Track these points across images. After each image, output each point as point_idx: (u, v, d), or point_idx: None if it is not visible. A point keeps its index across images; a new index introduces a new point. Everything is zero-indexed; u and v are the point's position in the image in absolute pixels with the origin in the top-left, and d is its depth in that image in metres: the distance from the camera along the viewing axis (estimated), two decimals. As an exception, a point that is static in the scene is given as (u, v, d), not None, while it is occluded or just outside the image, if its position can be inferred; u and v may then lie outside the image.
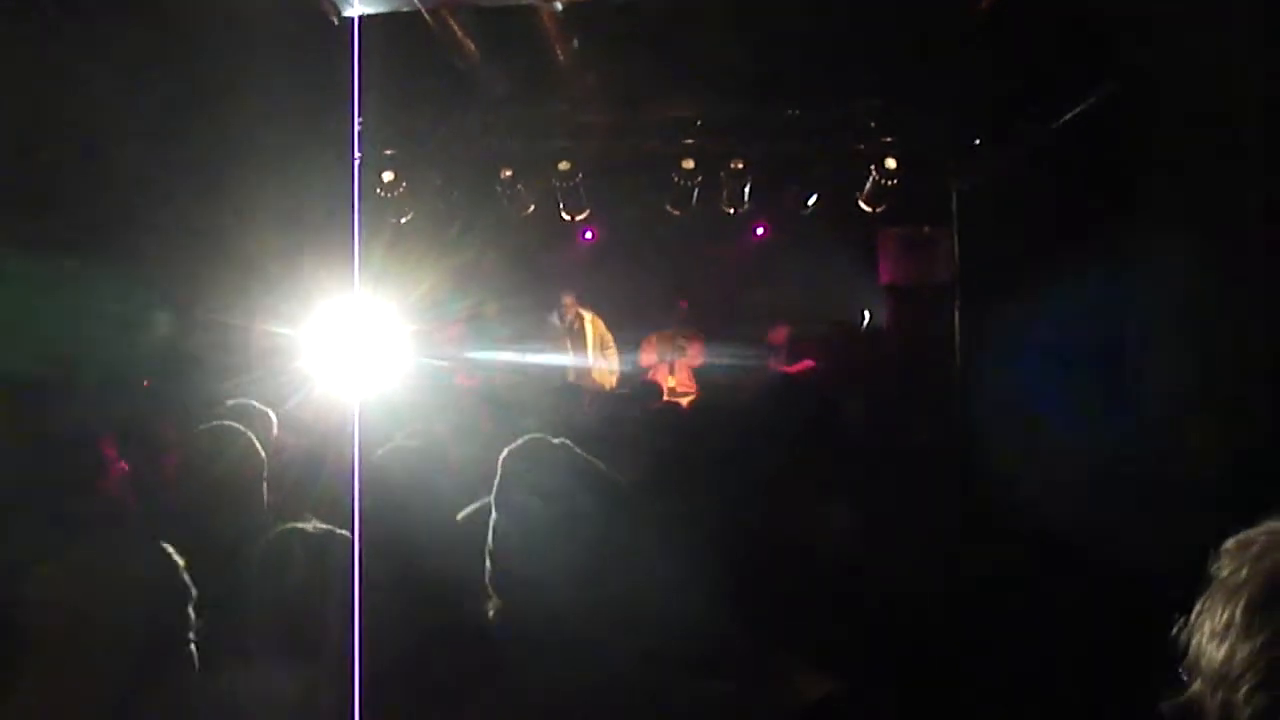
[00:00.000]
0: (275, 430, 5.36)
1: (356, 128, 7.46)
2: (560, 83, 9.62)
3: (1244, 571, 1.25)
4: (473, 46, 8.48)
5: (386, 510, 3.44)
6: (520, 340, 11.83)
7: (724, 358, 12.20)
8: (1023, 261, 8.95)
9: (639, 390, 10.41)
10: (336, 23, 6.89)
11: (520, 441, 2.37)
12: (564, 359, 11.85)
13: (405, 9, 6.98)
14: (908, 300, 12.49)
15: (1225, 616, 1.24)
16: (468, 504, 3.21)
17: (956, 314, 11.32)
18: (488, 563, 2.26)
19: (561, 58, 8.73)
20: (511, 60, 9.15)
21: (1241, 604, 1.23)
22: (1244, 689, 1.19)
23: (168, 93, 7.01)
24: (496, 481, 2.30)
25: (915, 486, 4.33)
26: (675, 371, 12.24)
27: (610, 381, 11.95)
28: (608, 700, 2.13)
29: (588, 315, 12.12)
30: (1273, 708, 1.17)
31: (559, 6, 7.58)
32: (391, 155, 10.78)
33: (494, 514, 2.27)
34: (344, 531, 2.96)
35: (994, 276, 10.00)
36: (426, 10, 7.31)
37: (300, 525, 2.96)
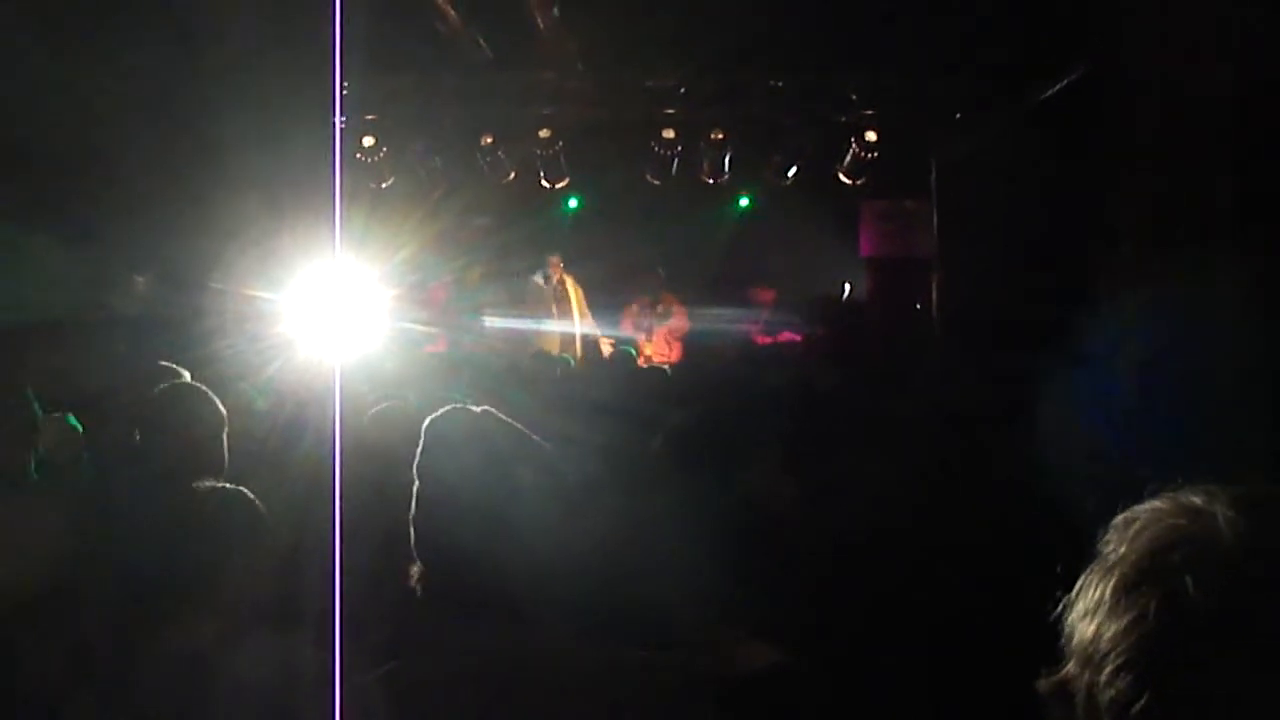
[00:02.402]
0: (247, 397, 5.37)
1: (339, 92, 7.43)
2: (541, 50, 9.59)
3: (1121, 549, 1.25)
4: (453, 11, 8.45)
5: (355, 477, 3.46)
6: (502, 305, 11.84)
7: (703, 325, 12.23)
8: (1003, 234, 8.99)
9: (616, 356, 10.44)
10: (317, -14, 6.85)
11: (443, 410, 2.39)
12: (543, 324, 11.84)
13: (387, -27, 6.95)
14: (888, 272, 12.54)
15: (1097, 594, 1.24)
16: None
17: (935, 287, 11.36)
18: (411, 530, 2.29)
19: (542, 25, 8.70)
20: (492, 26, 9.12)
21: (1112, 582, 1.22)
22: (1107, 669, 1.18)
23: (148, 56, 6.96)
24: (419, 450, 2.32)
25: (892, 458, 4.35)
26: (653, 338, 12.27)
27: (589, 347, 11.95)
28: (544, 668, 2.16)
29: (569, 280, 12.12)
30: (1135, 689, 1.15)
31: (541, -28, 7.56)
32: (372, 120, 10.73)
33: (416, 482, 2.29)
34: (244, 491, 2.95)
35: (974, 249, 10.04)
36: (408, -25, 7.29)
37: (198, 485, 2.94)
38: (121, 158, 6.95)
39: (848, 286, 12.89)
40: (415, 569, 2.27)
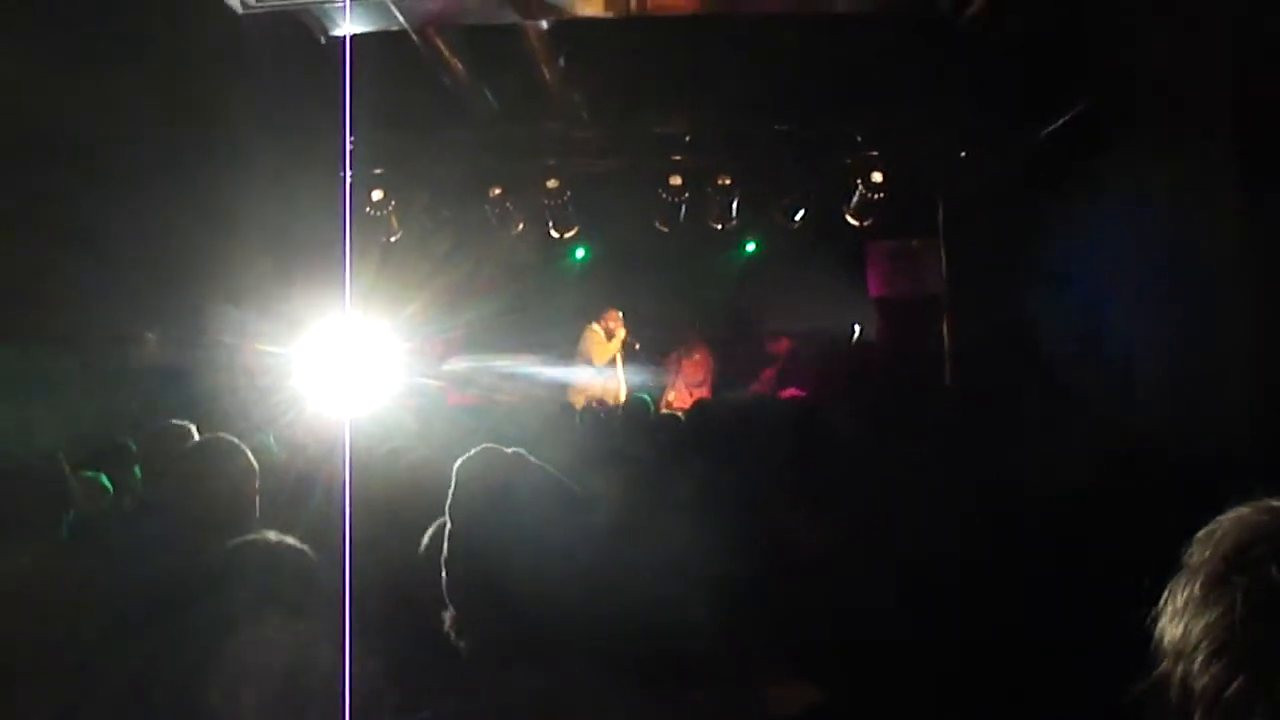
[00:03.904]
0: (267, 449, 5.38)
1: (347, 147, 7.49)
2: (547, 101, 9.66)
3: (1206, 553, 1.30)
4: (460, 65, 8.51)
5: (371, 526, 3.45)
6: (527, 358, 11.88)
7: (719, 372, 12.25)
8: (1011, 272, 9.00)
9: (632, 404, 10.44)
10: (324, 42, 6.93)
11: (474, 451, 2.38)
12: (567, 374, 11.90)
13: (392, 28, 7.01)
14: (897, 313, 12.54)
15: (1184, 596, 1.29)
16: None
17: (946, 326, 11.36)
18: (443, 573, 2.26)
19: (548, 76, 8.77)
20: (498, 78, 9.20)
21: (1199, 581, 1.27)
22: (1199, 659, 1.23)
23: (160, 115, 7.02)
24: (450, 491, 2.30)
25: (906, 499, 4.34)
26: (675, 387, 12.28)
27: (617, 396, 11.96)
28: (579, 710, 2.14)
29: (623, 333, 12.18)
30: (1228, 674, 1.19)
31: (545, 25, 7.62)
32: (380, 174, 10.78)
33: (448, 524, 2.28)
34: (298, 544, 2.96)
35: (982, 287, 10.05)
36: (413, 29, 7.35)
37: (254, 538, 2.96)
38: (133, 213, 6.99)
39: (857, 328, 12.88)
40: (448, 614, 2.25)
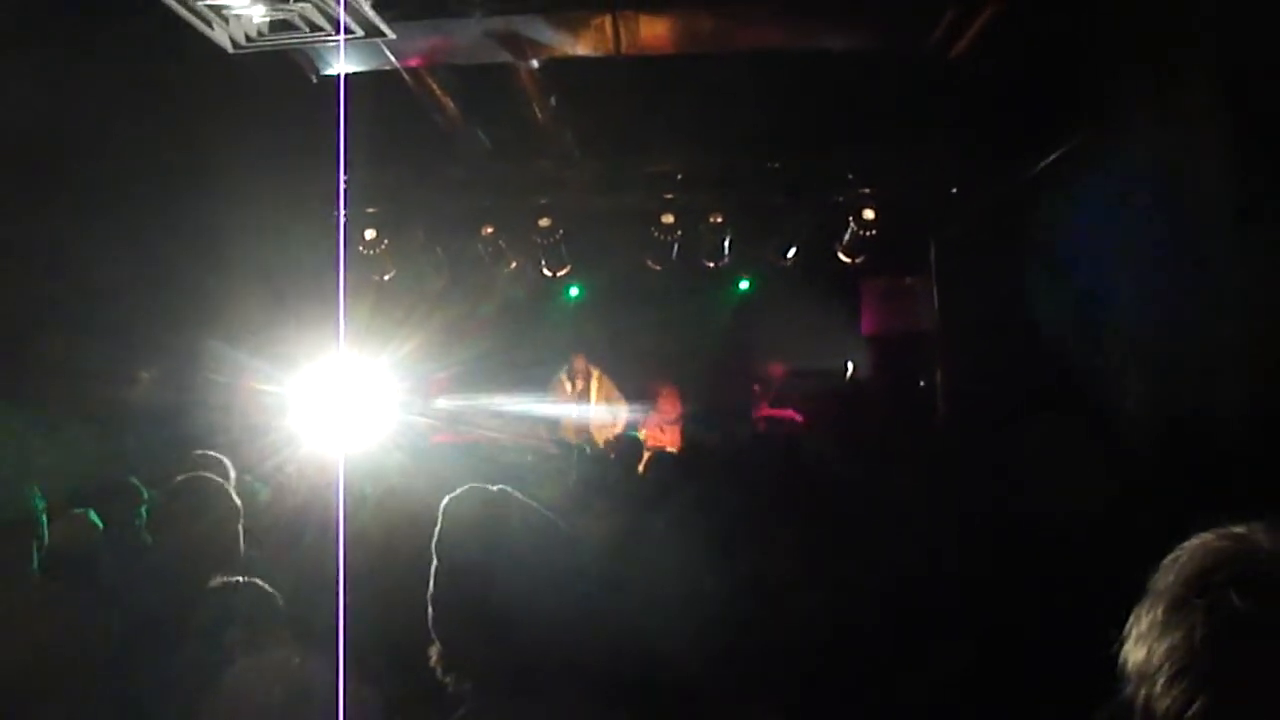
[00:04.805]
0: (256, 489, 5.37)
1: (341, 186, 7.52)
2: (539, 140, 9.70)
3: (1169, 578, 1.34)
4: (452, 104, 8.55)
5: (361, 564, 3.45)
6: (521, 397, 11.86)
7: (709, 408, 12.24)
8: (1003, 308, 9.02)
9: (624, 441, 10.43)
10: (316, 81, 6.95)
11: (461, 489, 2.39)
12: (557, 412, 11.87)
13: (384, 68, 7.04)
14: (890, 350, 12.56)
15: (1147, 620, 1.33)
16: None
17: (938, 363, 11.38)
18: (430, 609, 2.27)
19: (540, 115, 8.80)
20: (491, 118, 9.23)
21: (1162, 607, 1.32)
22: (1161, 681, 1.26)
23: (154, 156, 7.05)
24: (437, 529, 2.31)
25: (898, 537, 4.35)
26: (661, 423, 12.26)
27: (608, 434, 11.94)
28: None
29: (595, 374, 12.15)
30: (1189, 695, 1.23)
31: (536, 65, 7.65)
32: (373, 213, 10.81)
33: (435, 561, 2.28)
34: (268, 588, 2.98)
35: (975, 324, 10.06)
36: (405, 69, 7.38)
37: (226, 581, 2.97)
38: (128, 253, 7.01)
39: (850, 365, 12.90)
40: (434, 649, 2.26)
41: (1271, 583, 1.26)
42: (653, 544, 3.87)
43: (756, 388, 12.88)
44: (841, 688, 3.11)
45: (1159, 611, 1.31)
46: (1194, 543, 1.36)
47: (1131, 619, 1.36)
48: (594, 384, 12.11)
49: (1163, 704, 1.25)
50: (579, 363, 12.06)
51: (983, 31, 6.74)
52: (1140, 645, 1.32)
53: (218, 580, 3.02)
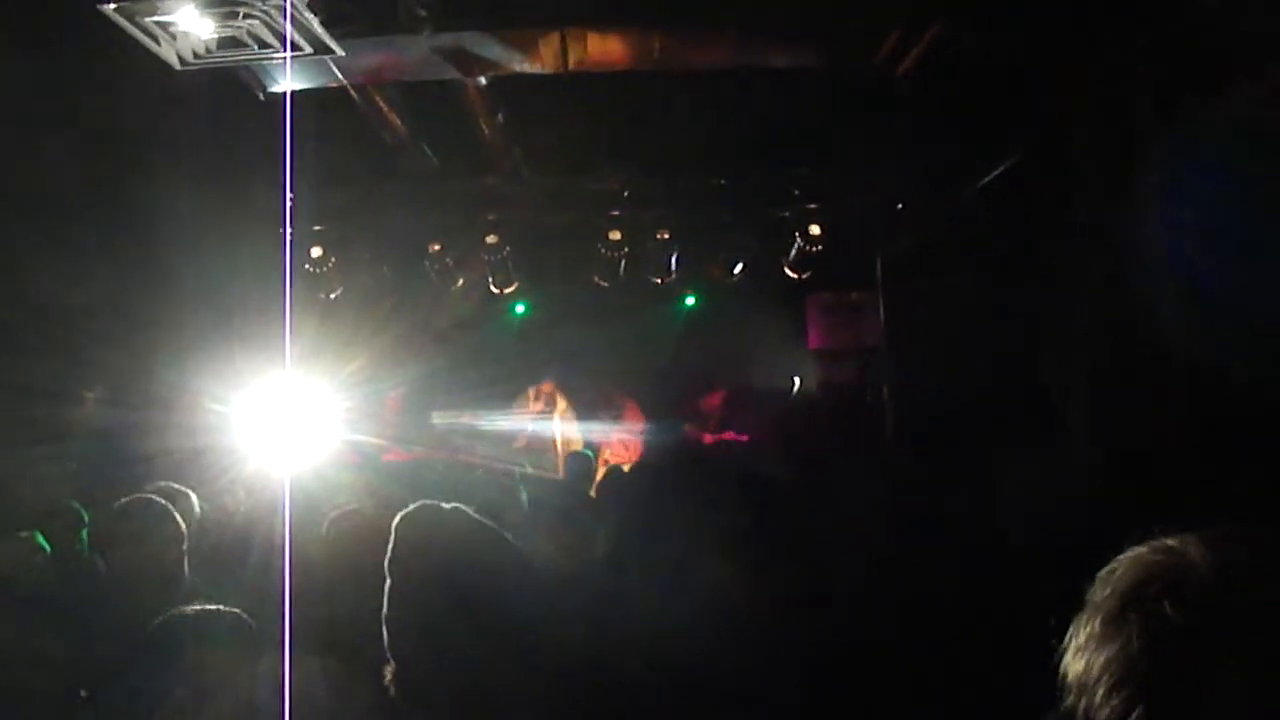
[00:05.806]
0: (198, 510, 5.32)
1: (287, 203, 7.46)
2: (486, 157, 9.68)
3: (1106, 590, 1.39)
4: (399, 121, 8.53)
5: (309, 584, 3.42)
6: (472, 414, 11.86)
7: (656, 425, 12.26)
8: (949, 324, 9.09)
9: (576, 458, 10.42)
10: (263, 98, 6.91)
11: (413, 507, 2.38)
12: (512, 428, 11.90)
13: (331, 85, 7.01)
14: (836, 364, 12.63)
15: (1086, 632, 1.37)
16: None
17: (884, 377, 11.44)
18: (384, 629, 2.26)
19: (487, 132, 8.80)
20: (438, 134, 9.21)
21: (1099, 619, 1.36)
22: (1100, 692, 1.30)
23: (98, 173, 6.97)
24: (390, 548, 2.30)
25: (845, 552, 4.36)
26: (622, 438, 12.29)
27: (570, 450, 11.96)
28: None
29: (560, 399, 12.20)
30: (1127, 706, 1.27)
31: (484, 81, 7.65)
32: (320, 231, 10.73)
33: (387, 580, 2.27)
34: (232, 610, 2.95)
35: (921, 339, 10.13)
36: (352, 86, 7.35)
37: (185, 610, 2.94)
38: (71, 271, 6.92)
39: (797, 380, 12.96)
40: (389, 669, 2.24)
41: (1204, 594, 1.29)
42: (604, 561, 3.87)
43: (701, 410, 12.93)
44: (791, 706, 3.12)
45: (1096, 624, 1.35)
46: (1128, 555, 1.40)
47: (1070, 631, 1.40)
48: (557, 401, 12.15)
49: (1102, 714, 1.29)
50: (546, 385, 12.14)
51: (927, 50, 6.81)
52: (1079, 657, 1.36)
53: (194, 607, 2.98)
